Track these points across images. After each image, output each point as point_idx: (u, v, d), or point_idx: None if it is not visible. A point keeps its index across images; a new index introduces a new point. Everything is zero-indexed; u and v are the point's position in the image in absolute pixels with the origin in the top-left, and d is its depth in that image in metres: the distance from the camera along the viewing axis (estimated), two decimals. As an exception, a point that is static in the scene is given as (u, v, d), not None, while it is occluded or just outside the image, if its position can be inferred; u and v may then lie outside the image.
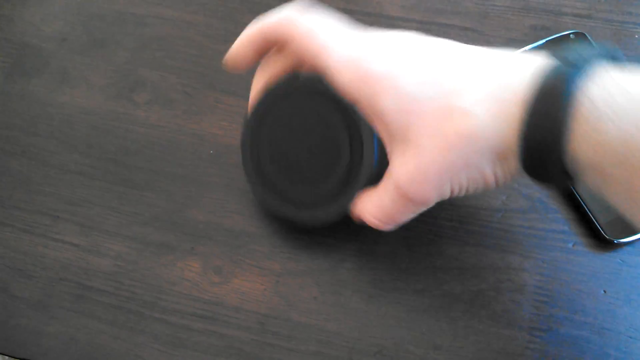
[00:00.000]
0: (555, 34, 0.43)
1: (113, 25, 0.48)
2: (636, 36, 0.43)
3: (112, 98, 0.45)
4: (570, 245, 0.37)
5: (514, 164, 0.25)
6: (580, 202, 0.37)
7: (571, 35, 0.43)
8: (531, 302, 0.36)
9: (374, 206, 0.31)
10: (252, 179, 0.36)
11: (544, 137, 0.22)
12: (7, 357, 0.38)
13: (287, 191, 0.35)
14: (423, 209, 0.29)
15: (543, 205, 0.39)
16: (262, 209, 0.37)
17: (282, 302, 0.37)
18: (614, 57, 0.22)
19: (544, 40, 0.42)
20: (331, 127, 0.34)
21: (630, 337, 0.35)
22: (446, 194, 0.27)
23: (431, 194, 0.27)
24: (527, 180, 0.39)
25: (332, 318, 0.36)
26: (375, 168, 0.33)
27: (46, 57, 0.47)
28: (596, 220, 0.37)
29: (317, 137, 0.34)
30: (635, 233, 0.36)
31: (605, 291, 0.36)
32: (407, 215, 0.30)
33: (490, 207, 0.39)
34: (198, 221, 0.40)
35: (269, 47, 0.33)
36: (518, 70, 0.24)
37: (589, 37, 0.42)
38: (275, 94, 0.35)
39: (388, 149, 0.29)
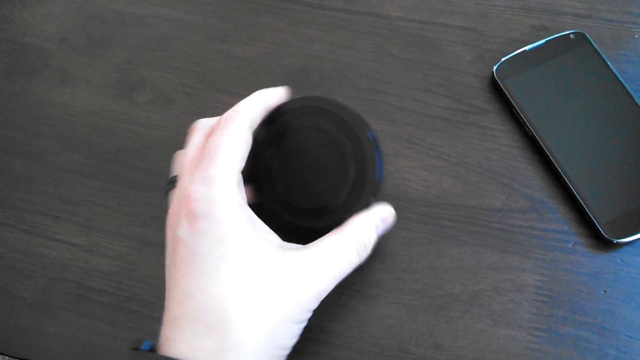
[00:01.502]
0: (555, 34, 0.43)
1: (113, 25, 0.48)
2: (636, 36, 0.43)
3: (112, 98, 0.45)
4: (570, 245, 0.37)
5: None
6: (580, 202, 0.37)
7: (571, 35, 0.43)
8: (531, 302, 0.36)
9: None
10: (261, 193, 0.35)
11: None
12: (7, 357, 0.38)
13: (296, 203, 0.34)
14: None
15: (543, 205, 0.39)
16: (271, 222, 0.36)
17: (282, 302, 0.37)
18: None
19: (544, 40, 0.42)
20: (335, 143, 0.34)
21: (630, 337, 0.35)
22: None
23: None
24: (527, 180, 0.39)
25: (332, 318, 0.36)
26: (380, 179, 0.34)
27: (46, 57, 0.47)
28: (596, 220, 0.37)
29: (322, 152, 0.34)
30: (635, 233, 0.36)
31: (605, 291, 0.36)
32: None
33: (490, 207, 0.39)
34: (198, 221, 0.40)
35: None
36: None
37: (589, 37, 0.42)
38: (277, 114, 0.35)
39: None
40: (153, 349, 0.27)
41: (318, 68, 0.45)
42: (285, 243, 0.30)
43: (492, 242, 0.38)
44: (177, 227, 0.28)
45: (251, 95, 0.33)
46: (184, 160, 0.32)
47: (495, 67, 0.42)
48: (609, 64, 0.41)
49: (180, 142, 0.43)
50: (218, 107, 0.44)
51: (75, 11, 0.49)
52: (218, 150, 0.29)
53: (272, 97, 0.33)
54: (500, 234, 0.38)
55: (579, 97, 0.40)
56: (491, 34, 0.45)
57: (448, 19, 0.45)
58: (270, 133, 0.35)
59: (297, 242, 0.31)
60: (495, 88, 0.42)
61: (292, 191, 0.34)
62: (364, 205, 0.33)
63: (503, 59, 0.42)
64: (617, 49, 0.43)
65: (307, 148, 0.34)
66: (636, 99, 0.40)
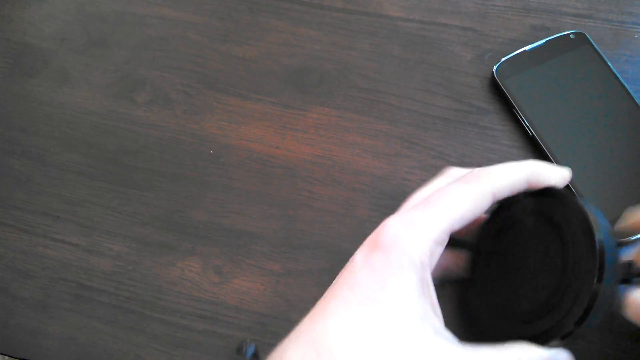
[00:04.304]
0: (555, 34, 0.43)
1: (113, 25, 0.48)
2: (636, 36, 0.43)
3: (112, 98, 0.45)
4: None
5: None
6: (580, 202, 0.37)
7: (571, 35, 0.43)
8: (531, 302, 0.36)
9: None
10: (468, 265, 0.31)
11: None
12: (7, 357, 0.38)
13: (493, 296, 0.29)
14: None
15: (543, 205, 0.38)
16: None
17: (282, 302, 0.37)
18: None
19: (544, 40, 0.42)
20: (561, 255, 0.27)
21: (630, 337, 0.35)
22: None
23: None
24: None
25: None
26: (590, 323, 0.25)
27: (46, 57, 0.47)
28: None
29: (545, 259, 0.27)
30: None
31: (605, 291, 0.36)
32: None
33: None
34: (198, 221, 0.40)
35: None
36: None
37: (589, 37, 0.42)
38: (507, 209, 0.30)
39: None
40: (256, 355, 0.26)
41: (318, 68, 0.45)
42: (443, 327, 0.26)
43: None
44: (360, 250, 0.27)
45: (518, 163, 0.28)
46: (415, 196, 0.30)
47: (495, 67, 0.42)
48: (609, 64, 0.41)
49: (180, 141, 0.43)
50: (218, 107, 0.44)
51: (75, 11, 0.49)
52: (440, 200, 0.26)
53: (543, 175, 0.28)
54: (500, 234, 0.38)
55: (579, 97, 0.40)
56: (491, 34, 0.45)
57: (448, 19, 0.45)
58: (513, 210, 0.30)
59: (468, 330, 0.27)
60: (495, 88, 0.42)
61: (496, 279, 0.30)
62: (545, 341, 0.26)
63: (503, 59, 0.42)
64: (617, 49, 0.43)
65: (538, 246, 0.28)
66: (636, 99, 0.40)
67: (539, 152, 0.40)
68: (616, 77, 0.41)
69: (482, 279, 0.30)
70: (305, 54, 0.45)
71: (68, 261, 0.40)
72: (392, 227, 0.26)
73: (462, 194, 0.27)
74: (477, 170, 0.28)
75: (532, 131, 0.40)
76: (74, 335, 0.38)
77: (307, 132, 0.42)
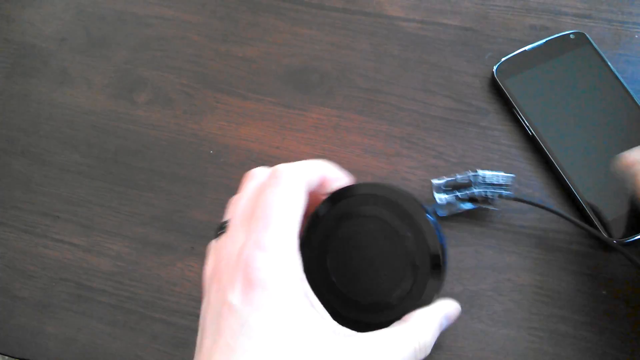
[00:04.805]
0: (555, 34, 0.43)
1: (113, 25, 0.48)
2: (636, 36, 0.43)
3: (112, 98, 0.45)
4: (570, 245, 0.37)
5: None
6: (580, 202, 0.37)
7: (571, 35, 0.43)
8: (531, 302, 0.36)
9: None
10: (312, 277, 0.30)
11: None
12: (7, 357, 0.38)
13: (351, 296, 0.30)
14: None
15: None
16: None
17: (282, 302, 0.37)
18: None
19: (544, 40, 0.42)
20: (396, 235, 0.30)
21: (630, 337, 0.35)
22: None
23: None
24: (527, 179, 0.39)
25: None
26: (444, 274, 0.30)
27: (46, 57, 0.47)
28: (596, 220, 0.37)
29: (382, 243, 0.30)
30: (635, 233, 0.36)
31: (605, 291, 0.36)
32: None
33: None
34: (198, 221, 0.40)
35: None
36: None
37: (589, 37, 0.42)
38: (339, 197, 0.31)
39: None
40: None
41: (318, 68, 0.45)
42: (339, 326, 0.27)
43: (492, 242, 0.38)
44: (229, 291, 0.26)
45: (310, 160, 0.30)
46: (237, 209, 0.29)
47: (495, 67, 0.42)
48: (609, 64, 0.41)
49: (180, 141, 0.43)
50: (218, 107, 0.44)
51: (75, 11, 0.49)
52: (271, 210, 0.27)
53: (331, 172, 0.30)
54: (500, 234, 0.38)
55: (579, 97, 0.40)
56: (491, 34, 0.45)
57: (448, 19, 0.45)
58: (330, 216, 0.31)
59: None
60: (495, 88, 0.42)
61: (346, 282, 0.30)
62: (428, 300, 0.29)
63: (503, 59, 0.42)
64: (617, 49, 0.43)
65: (366, 237, 0.31)
66: (636, 99, 0.40)
67: (538, 152, 0.40)
68: (616, 77, 0.41)
69: (325, 277, 0.31)
70: (305, 54, 0.45)
71: (68, 261, 0.40)
72: (257, 260, 0.26)
73: (286, 196, 0.28)
74: (279, 167, 0.29)
75: (532, 131, 0.40)
76: (74, 335, 0.38)
77: (307, 132, 0.42)
